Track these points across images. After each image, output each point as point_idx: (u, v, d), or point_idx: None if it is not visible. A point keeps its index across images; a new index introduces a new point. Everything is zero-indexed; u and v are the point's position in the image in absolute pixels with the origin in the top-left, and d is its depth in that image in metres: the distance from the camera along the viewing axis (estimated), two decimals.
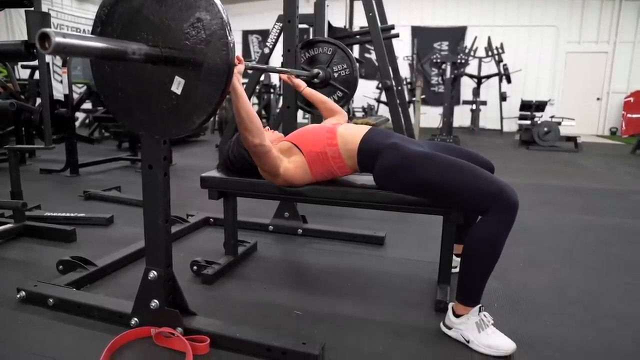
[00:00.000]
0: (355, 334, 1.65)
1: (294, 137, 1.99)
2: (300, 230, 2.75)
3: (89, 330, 1.63)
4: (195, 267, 2.15)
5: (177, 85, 1.26)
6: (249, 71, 2.37)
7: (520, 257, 2.48)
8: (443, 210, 1.84)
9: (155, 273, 1.54)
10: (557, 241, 2.78)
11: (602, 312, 1.87)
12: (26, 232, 2.63)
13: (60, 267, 2.09)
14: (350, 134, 1.91)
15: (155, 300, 1.55)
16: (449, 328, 1.67)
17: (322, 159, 1.89)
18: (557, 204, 3.79)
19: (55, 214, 2.94)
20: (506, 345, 1.54)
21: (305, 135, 1.97)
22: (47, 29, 0.91)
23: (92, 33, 1.30)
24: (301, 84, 2.43)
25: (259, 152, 1.77)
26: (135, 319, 1.60)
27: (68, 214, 2.94)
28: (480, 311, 1.61)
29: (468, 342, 1.59)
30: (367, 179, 1.99)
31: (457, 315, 1.64)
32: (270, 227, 2.81)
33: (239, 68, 1.74)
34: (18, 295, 1.82)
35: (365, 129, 1.93)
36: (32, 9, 2.37)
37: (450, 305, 1.69)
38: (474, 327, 1.59)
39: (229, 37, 1.20)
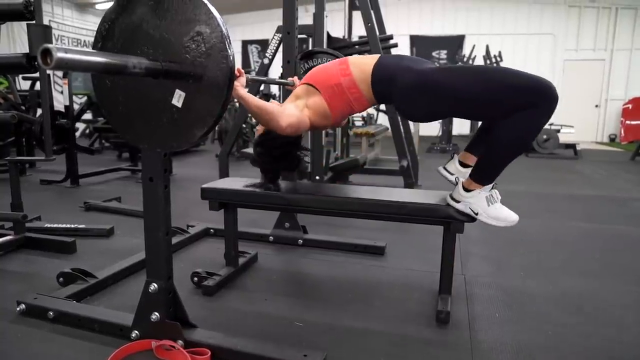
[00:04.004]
0: (356, 345, 1.65)
1: (308, 77, 1.99)
2: (300, 241, 2.75)
3: (90, 343, 1.62)
4: (195, 279, 2.14)
5: (178, 99, 1.27)
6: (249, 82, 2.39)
7: (520, 266, 2.47)
8: (443, 220, 1.84)
9: (156, 285, 1.54)
10: (558, 249, 2.78)
11: (604, 321, 1.86)
12: (26, 244, 2.63)
13: (61, 279, 2.08)
14: (362, 62, 1.88)
15: (156, 313, 1.55)
16: (457, 201, 1.75)
17: (338, 92, 1.87)
18: (558, 211, 3.79)
19: (55, 225, 2.94)
20: (512, 217, 1.70)
21: (318, 73, 1.96)
22: (49, 45, 0.92)
23: (93, 48, 1.31)
24: None
25: (289, 132, 1.79)
26: (136, 331, 1.59)
27: (68, 225, 2.94)
28: (492, 188, 1.71)
29: (476, 214, 1.71)
30: (368, 189, 2.00)
31: (467, 190, 1.72)
32: (271, 238, 2.81)
33: (241, 81, 1.77)
34: (18, 308, 1.81)
35: (376, 56, 1.90)
36: (34, 22, 2.38)
37: (460, 180, 1.78)
38: (484, 201, 1.70)
39: (229, 50, 1.21)
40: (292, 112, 1.83)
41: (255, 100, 1.71)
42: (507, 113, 1.57)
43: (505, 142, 1.61)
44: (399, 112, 1.88)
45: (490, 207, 1.70)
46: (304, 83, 1.98)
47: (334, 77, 1.87)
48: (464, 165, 1.98)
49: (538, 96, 1.53)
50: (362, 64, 1.86)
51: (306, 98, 1.92)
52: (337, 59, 2.00)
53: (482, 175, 1.71)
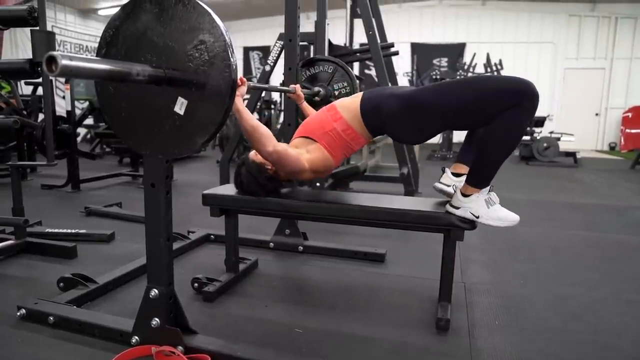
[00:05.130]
0: (356, 352, 1.65)
1: (302, 131, 2.02)
2: (301, 247, 2.75)
3: (90, 348, 1.62)
4: (196, 285, 2.15)
5: (180, 106, 1.28)
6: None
7: (520, 273, 2.47)
8: (443, 228, 1.84)
9: (156, 291, 1.54)
10: (558, 258, 2.78)
11: (604, 329, 1.86)
12: (27, 249, 2.63)
13: (61, 284, 2.09)
14: (348, 102, 1.95)
15: (156, 319, 1.55)
16: (457, 208, 1.78)
17: (335, 137, 1.92)
18: (557, 219, 3.79)
19: (56, 230, 2.94)
20: (513, 216, 1.74)
21: (310, 124, 2.00)
22: (55, 52, 0.93)
23: (97, 54, 1.32)
24: (302, 97, 2.50)
25: (275, 159, 1.80)
26: (136, 337, 1.59)
27: (69, 231, 2.94)
28: (489, 191, 1.74)
29: (477, 217, 1.73)
30: (368, 196, 2.00)
31: (465, 195, 1.75)
32: (271, 244, 2.81)
33: (242, 90, 1.78)
34: (18, 313, 1.81)
35: (359, 93, 1.97)
36: (38, 28, 2.40)
37: (457, 188, 1.81)
38: (484, 204, 1.73)
39: (232, 59, 1.22)
40: (285, 145, 1.85)
41: (249, 117, 1.73)
42: (494, 117, 1.63)
43: (495, 144, 1.66)
44: (395, 139, 1.93)
45: (490, 209, 1.73)
46: (299, 136, 2.01)
47: (327, 124, 1.93)
48: (457, 175, 2.02)
49: (519, 95, 1.58)
50: (349, 104, 1.93)
51: (305, 147, 1.94)
52: (324, 106, 2.06)
53: (478, 179, 1.74)
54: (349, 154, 2.01)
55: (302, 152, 1.90)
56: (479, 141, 1.71)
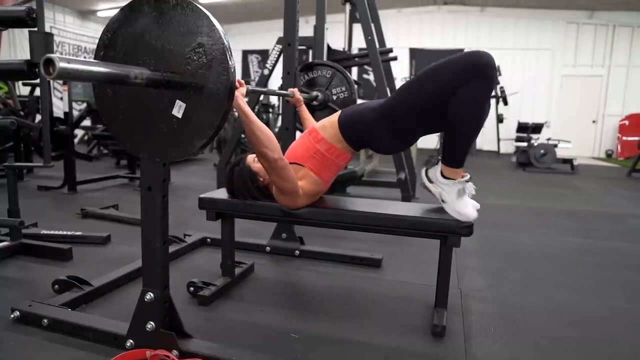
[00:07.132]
0: (351, 358, 1.64)
1: (288, 157, 2.02)
2: (297, 252, 2.75)
3: (83, 351, 1.61)
4: (191, 288, 2.14)
5: (178, 109, 1.27)
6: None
7: (516, 280, 2.47)
8: (439, 234, 1.84)
9: (152, 295, 1.54)
10: (554, 265, 2.78)
11: (599, 336, 1.86)
12: (23, 250, 2.62)
13: (56, 286, 2.07)
14: (327, 122, 2.01)
15: (152, 322, 1.54)
16: (431, 181, 1.85)
17: (321, 159, 1.95)
18: (554, 226, 3.80)
19: (52, 232, 2.93)
20: (471, 215, 1.77)
21: (294, 150, 2.04)
22: (52, 55, 0.93)
23: (95, 57, 1.32)
24: (301, 100, 2.52)
25: (278, 167, 1.78)
26: (131, 340, 1.58)
27: (65, 232, 2.93)
28: (467, 181, 1.78)
29: (443, 202, 1.80)
30: (365, 201, 2.00)
31: (444, 177, 1.80)
32: (268, 248, 2.80)
33: (242, 91, 1.78)
34: (12, 315, 1.80)
35: (337, 112, 2.02)
36: (36, 29, 2.40)
37: (439, 162, 1.84)
38: (455, 192, 1.77)
39: (230, 62, 1.22)
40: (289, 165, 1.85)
41: (256, 119, 1.71)
42: (452, 94, 1.66)
43: (460, 119, 1.68)
44: (378, 151, 1.97)
45: (457, 199, 1.78)
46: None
47: (310, 148, 1.97)
48: None
49: (472, 68, 1.62)
50: (328, 124, 1.98)
51: (296, 174, 1.93)
52: (306, 130, 2.10)
53: (450, 157, 1.79)
54: (337, 171, 2.04)
55: (297, 179, 1.91)
56: (448, 119, 1.72)
